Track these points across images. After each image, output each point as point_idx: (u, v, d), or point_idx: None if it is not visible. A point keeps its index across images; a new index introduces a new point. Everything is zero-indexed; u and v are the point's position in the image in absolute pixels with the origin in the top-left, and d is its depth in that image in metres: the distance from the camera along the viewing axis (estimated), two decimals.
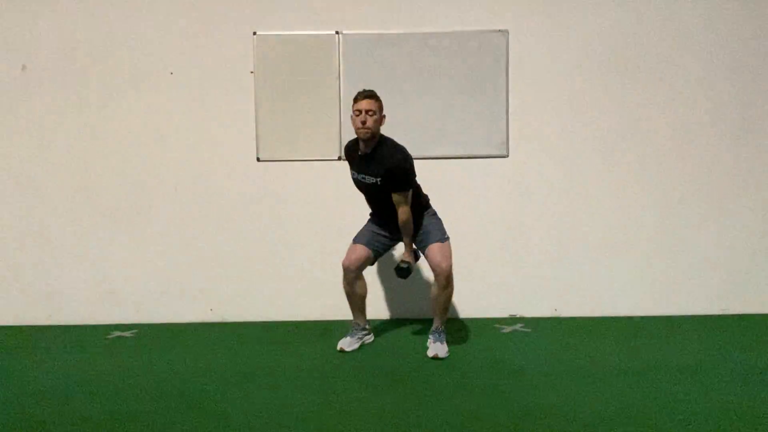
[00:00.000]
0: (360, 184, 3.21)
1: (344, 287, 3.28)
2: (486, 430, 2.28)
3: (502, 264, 3.97)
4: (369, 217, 3.35)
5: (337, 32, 3.86)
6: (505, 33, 3.87)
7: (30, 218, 3.93)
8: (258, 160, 3.92)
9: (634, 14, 3.89)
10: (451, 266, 3.11)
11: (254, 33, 3.87)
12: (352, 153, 3.22)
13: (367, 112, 3.02)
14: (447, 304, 3.24)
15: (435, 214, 3.29)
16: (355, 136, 3.13)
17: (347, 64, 3.85)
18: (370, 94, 3.06)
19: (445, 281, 3.11)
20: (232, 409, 2.51)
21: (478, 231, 3.96)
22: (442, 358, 3.13)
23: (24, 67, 3.89)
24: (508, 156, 3.93)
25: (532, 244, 3.96)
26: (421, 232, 3.19)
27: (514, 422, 2.34)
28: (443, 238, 3.16)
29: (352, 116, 3.07)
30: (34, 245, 3.94)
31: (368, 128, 3.03)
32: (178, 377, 2.90)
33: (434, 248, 3.12)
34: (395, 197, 3.07)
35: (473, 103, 3.87)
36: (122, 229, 3.94)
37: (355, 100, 3.07)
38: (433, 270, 3.14)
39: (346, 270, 3.21)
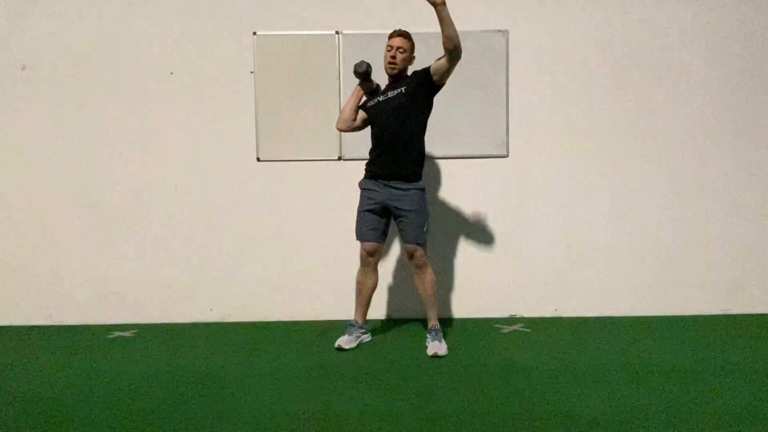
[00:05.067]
0: (380, 108, 3.26)
1: (358, 278, 3.39)
2: (486, 430, 2.27)
3: (502, 264, 3.96)
4: (359, 187, 3.35)
5: (337, 32, 3.86)
6: (505, 33, 3.88)
7: (30, 218, 3.94)
8: (258, 160, 3.92)
9: (634, 14, 3.89)
10: (423, 255, 3.24)
11: (254, 33, 3.87)
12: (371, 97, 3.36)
13: (398, 48, 3.20)
14: (432, 292, 3.31)
15: (424, 191, 3.28)
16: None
17: (347, 64, 3.85)
18: (403, 33, 3.23)
19: (420, 266, 3.25)
20: (232, 409, 2.51)
21: (478, 231, 3.96)
22: (441, 356, 3.13)
23: (24, 67, 3.89)
24: (508, 156, 3.93)
25: (532, 244, 3.96)
26: (403, 217, 3.21)
27: (513, 422, 2.34)
28: (421, 240, 3.22)
29: (385, 52, 3.24)
30: (34, 245, 3.94)
31: (395, 64, 3.21)
32: (179, 377, 2.90)
33: (410, 244, 3.24)
34: (433, 64, 3.13)
35: (473, 103, 3.87)
36: (122, 229, 3.94)
37: (389, 37, 3.24)
38: (407, 256, 3.28)
39: (364, 261, 3.33)
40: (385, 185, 3.23)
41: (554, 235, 3.96)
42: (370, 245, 3.31)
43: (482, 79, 3.85)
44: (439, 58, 3.11)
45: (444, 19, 2.93)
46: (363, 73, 3.29)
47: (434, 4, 2.89)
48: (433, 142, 3.80)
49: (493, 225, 3.96)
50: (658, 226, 3.96)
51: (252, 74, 3.89)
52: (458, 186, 3.94)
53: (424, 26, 3.84)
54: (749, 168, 3.95)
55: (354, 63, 3.32)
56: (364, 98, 3.41)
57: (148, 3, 3.88)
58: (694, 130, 3.94)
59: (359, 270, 3.38)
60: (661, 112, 3.93)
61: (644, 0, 3.89)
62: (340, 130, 3.46)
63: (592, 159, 3.94)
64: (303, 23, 3.88)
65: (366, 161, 3.35)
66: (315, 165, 3.92)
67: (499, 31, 3.87)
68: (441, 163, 3.91)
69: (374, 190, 3.26)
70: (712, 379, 2.79)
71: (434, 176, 3.92)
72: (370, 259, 3.33)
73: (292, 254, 3.96)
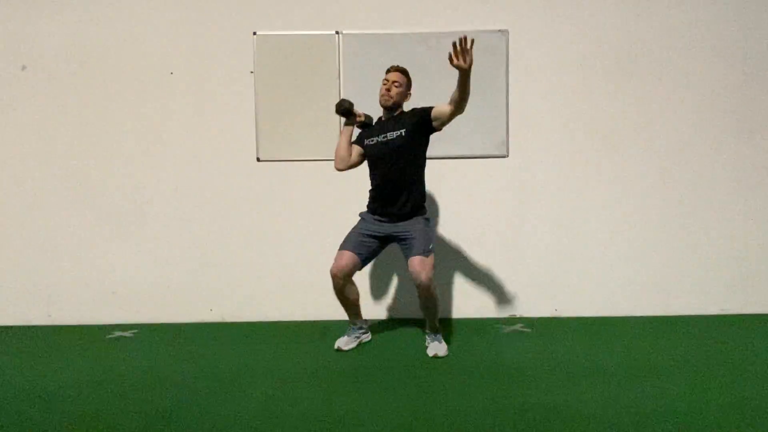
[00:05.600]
0: (377, 148, 3.20)
1: (335, 293, 3.25)
2: (486, 429, 2.28)
3: (502, 264, 3.97)
4: (359, 216, 3.32)
5: (337, 32, 3.86)
6: (505, 33, 3.88)
7: (30, 218, 3.94)
8: (258, 160, 3.93)
9: (634, 14, 3.89)
10: (430, 279, 3.05)
11: (254, 33, 3.87)
12: (367, 131, 3.31)
13: (393, 82, 3.20)
14: (434, 311, 3.22)
15: (428, 220, 3.25)
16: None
17: (347, 64, 3.85)
18: (399, 68, 3.25)
19: (426, 293, 3.07)
20: (232, 409, 2.51)
21: (478, 231, 3.96)
22: (442, 357, 3.13)
23: (24, 67, 3.89)
24: (508, 156, 3.93)
25: (532, 244, 3.96)
26: (407, 239, 3.15)
27: (513, 422, 2.34)
28: (426, 251, 3.10)
29: (381, 86, 3.24)
30: (34, 245, 3.94)
31: (390, 96, 3.19)
32: (178, 377, 2.90)
33: (415, 260, 3.06)
34: (436, 108, 3.11)
35: (473, 102, 3.83)
36: (122, 229, 3.94)
37: (387, 71, 3.25)
38: (413, 281, 3.08)
39: (334, 277, 3.17)
40: (390, 222, 3.18)
41: (554, 235, 3.96)
42: (348, 256, 3.15)
43: (482, 79, 3.85)
44: (443, 106, 3.06)
45: (465, 83, 2.89)
46: (344, 111, 3.28)
47: (460, 69, 2.83)
48: (433, 142, 3.79)
49: (493, 225, 3.96)
50: (658, 226, 3.96)
51: (252, 74, 3.89)
52: (458, 186, 3.94)
53: (424, 26, 3.85)
54: (748, 169, 3.95)
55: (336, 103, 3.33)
56: (358, 131, 3.38)
57: (148, 3, 3.88)
58: (694, 131, 3.94)
59: (333, 288, 3.21)
60: (660, 112, 3.93)
61: (644, 0, 3.89)
62: (340, 170, 3.34)
63: (592, 159, 3.94)
64: (303, 23, 3.88)
65: (368, 199, 3.29)
66: (315, 165, 3.92)
67: (499, 31, 3.87)
68: (441, 163, 3.91)
69: (377, 225, 3.21)
70: (710, 378, 2.79)
71: (434, 176, 3.92)
72: (339, 275, 3.14)
73: (291, 254, 3.96)
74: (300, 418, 2.41)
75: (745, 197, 3.95)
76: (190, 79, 3.90)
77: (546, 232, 3.96)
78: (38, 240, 3.94)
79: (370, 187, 3.29)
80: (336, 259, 3.19)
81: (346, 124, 3.36)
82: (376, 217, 3.23)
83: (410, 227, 3.16)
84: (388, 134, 3.17)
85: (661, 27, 3.90)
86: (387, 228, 3.20)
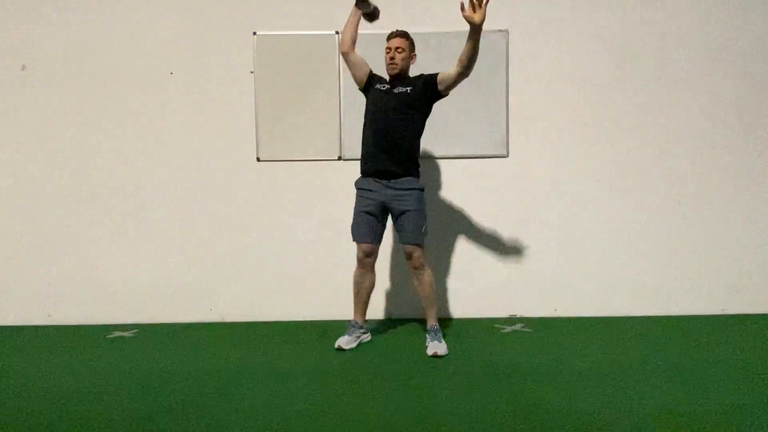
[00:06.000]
0: (381, 95, 3.23)
1: (355, 278, 3.35)
2: (485, 430, 2.28)
3: (502, 264, 3.97)
4: (355, 187, 3.32)
5: (337, 32, 3.86)
6: (505, 33, 3.88)
7: (30, 218, 3.94)
8: (258, 160, 3.93)
9: (634, 14, 3.90)
10: (422, 256, 3.23)
11: (254, 33, 3.88)
12: (381, 79, 3.32)
13: (396, 49, 3.19)
14: (431, 293, 3.29)
15: (422, 192, 3.25)
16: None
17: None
18: (400, 33, 3.22)
19: (418, 267, 3.22)
20: (232, 409, 2.51)
21: (478, 231, 3.96)
22: (441, 356, 3.13)
23: (24, 67, 3.90)
24: (508, 156, 3.93)
25: (532, 244, 3.96)
26: (402, 215, 3.19)
27: (514, 422, 2.34)
28: (420, 240, 3.21)
29: (384, 54, 3.24)
30: (34, 245, 3.94)
31: (396, 64, 3.19)
32: (178, 377, 2.90)
33: (408, 245, 3.22)
34: (442, 72, 3.14)
35: (473, 103, 3.87)
36: (122, 229, 3.94)
37: (387, 38, 3.23)
38: (406, 257, 3.25)
39: (360, 261, 3.29)
40: (386, 186, 3.21)
41: (554, 235, 3.96)
42: (367, 246, 3.28)
43: (482, 79, 3.85)
44: (449, 70, 3.10)
45: (475, 43, 2.93)
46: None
47: (473, 23, 2.84)
48: (433, 142, 3.81)
49: (493, 225, 3.96)
50: (658, 226, 3.96)
51: (252, 74, 3.89)
52: (458, 186, 3.94)
53: (424, 26, 3.84)
54: (748, 168, 3.95)
55: None
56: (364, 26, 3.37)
57: (148, 3, 3.89)
58: (694, 131, 3.94)
59: (356, 270, 3.36)
60: (660, 112, 3.93)
61: (644, 0, 3.89)
62: (344, 53, 3.33)
63: (592, 159, 3.94)
64: (303, 23, 3.89)
65: (360, 159, 3.31)
66: (315, 165, 3.92)
67: (499, 31, 3.87)
68: (441, 163, 3.91)
69: (373, 191, 3.23)
70: (710, 379, 2.79)
71: (434, 176, 3.92)
72: (366, 260, 3.30)
73: (291, 254, 3.96)
74: (300, 417, 2.41)
75: (745, 197, 3.95)
76: (190, 79, 3.91)
77: (546, 231, 3.96)
78: (38, 240, 3.95)
79: (361, 152, 3.29)
80: (359, 248, 3.29)
81: (355, 5, 3.31)
82: (369, 179, 3.24)
83: (407, 200, 3.18)
84: (396, 88, 3.22)
85: (661, 26, 3.90)
86: (382, 193, 3.21)
